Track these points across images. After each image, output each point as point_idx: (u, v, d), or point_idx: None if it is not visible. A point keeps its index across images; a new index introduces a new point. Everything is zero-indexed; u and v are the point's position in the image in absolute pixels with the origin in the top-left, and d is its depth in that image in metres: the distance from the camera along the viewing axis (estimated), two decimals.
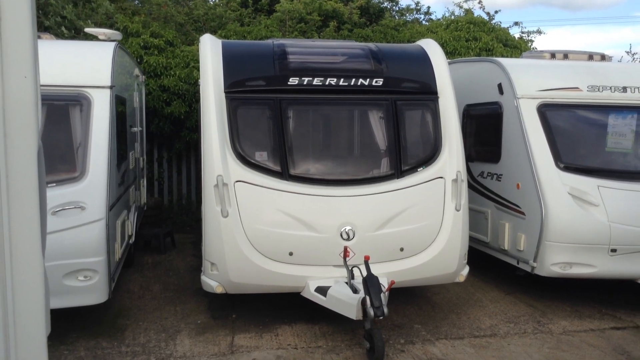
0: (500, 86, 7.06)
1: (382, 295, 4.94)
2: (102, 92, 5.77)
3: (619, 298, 6.94)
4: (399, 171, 5.84)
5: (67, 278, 5.15)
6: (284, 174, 5.63)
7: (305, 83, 5.86)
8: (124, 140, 6.93)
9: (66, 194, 5.23)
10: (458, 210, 5.79)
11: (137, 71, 8.43)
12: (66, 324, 5.72)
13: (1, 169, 1.82)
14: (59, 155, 5.53)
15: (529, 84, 6.84)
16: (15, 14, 1.80)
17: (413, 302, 6.65)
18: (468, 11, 15.13)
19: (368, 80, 5.97)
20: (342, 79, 5.92)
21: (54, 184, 5.19)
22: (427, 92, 6.12)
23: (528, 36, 15.30)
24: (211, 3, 14.32)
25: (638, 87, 6.93)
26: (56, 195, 5.14)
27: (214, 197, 5.42)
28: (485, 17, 14.64)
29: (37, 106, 1.91)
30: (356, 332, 5.68)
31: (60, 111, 5.65)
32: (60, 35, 10.14)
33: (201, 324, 5.95)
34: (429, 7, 20.71)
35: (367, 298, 4.91)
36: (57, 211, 5.11)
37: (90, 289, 5.28)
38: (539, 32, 15.38)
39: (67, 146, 5.59)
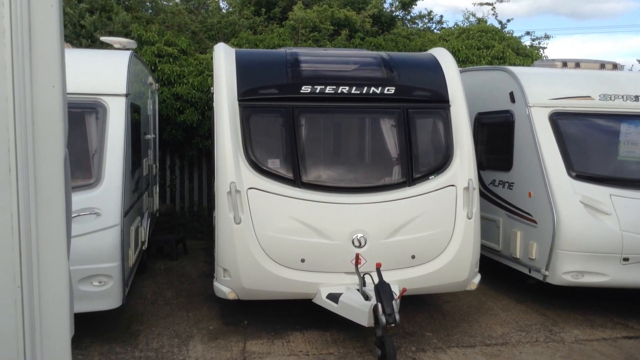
0: (512, 95, 7.07)
1: (393, 302, 4.96)
2: (118, 100, 5.85)
3: (631, 307, 6.90)
4: (410, 179, 5.86)
5: (82, 283, 5.22)
6: (296, 182, 5.67)
7: (317, 91, 5.90)
8: (138, 148, 7.01)
9: (82, 200, 5.30)
10: (470, 219, 5.80)
11: (151, 79, 8.53)
12: (80, 329, 5.72)
13: (29, 175, 1.88)
14: (75, 161, 5.59)
15: (540, 93, 6.85)
16: (44, 27, 1.86)
17: (424, 310, 6.65)
18: (481, 20, 15.15)
19: (380, 88, 6.01)
20: (354, 87, 5.97)
21: None
22: (439, 101, 6.15)
23: (539, 43, 15.32)
24: (224, 11, 14.46)
25: None
26: (72, 201, 5.20)
27: (227, 204, 5.48)
28: (498, 26, 14.65)
29: (64, 115, 1.97)
30: (367, 339, 5.69)
31: (77, 118, 5.72)
32: (77, 44, 10.28)
33: (213, 330, 5.99)
34: (441, 17, 20.70)
35: (379, 305, 4.93)
36: (73, 217, 5.16)
37: (104, 294, 5.34)
38: (547, 37, 15.46)
39: (83, 153, 5.66)
